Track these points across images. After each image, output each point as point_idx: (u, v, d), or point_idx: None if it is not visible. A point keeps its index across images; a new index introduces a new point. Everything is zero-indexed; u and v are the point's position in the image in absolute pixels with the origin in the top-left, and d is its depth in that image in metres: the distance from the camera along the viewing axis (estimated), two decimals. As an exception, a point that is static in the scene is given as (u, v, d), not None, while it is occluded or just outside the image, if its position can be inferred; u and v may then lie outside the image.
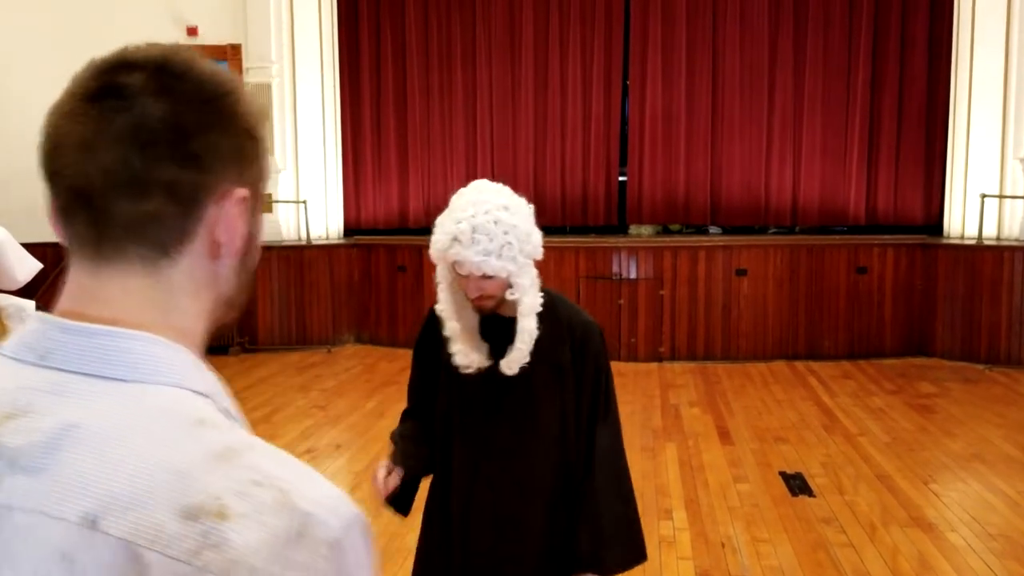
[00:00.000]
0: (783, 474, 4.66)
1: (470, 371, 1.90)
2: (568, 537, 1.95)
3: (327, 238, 8.39)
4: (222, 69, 0.73)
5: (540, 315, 1.87)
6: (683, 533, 3.93)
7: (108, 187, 0.66)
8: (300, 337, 8.04)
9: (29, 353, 0.66)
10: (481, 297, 1.84)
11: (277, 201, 8.13)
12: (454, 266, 1.82)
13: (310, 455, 5.06)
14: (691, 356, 7.62)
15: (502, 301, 1.87)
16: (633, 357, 7.57)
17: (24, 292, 2.31)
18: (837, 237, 7.92)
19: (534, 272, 1.88)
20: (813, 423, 5.65)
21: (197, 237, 0.69)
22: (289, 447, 5.23)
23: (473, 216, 1.77)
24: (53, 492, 0.60)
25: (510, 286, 1.83)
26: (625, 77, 8.35)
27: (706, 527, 3.98)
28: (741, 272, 7.63)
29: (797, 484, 4.52)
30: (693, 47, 8.18)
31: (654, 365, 7.46)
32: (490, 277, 1.80)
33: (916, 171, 8.03)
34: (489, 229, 1.76)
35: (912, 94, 7.97)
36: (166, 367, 0.66)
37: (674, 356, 7.62)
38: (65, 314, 0.68)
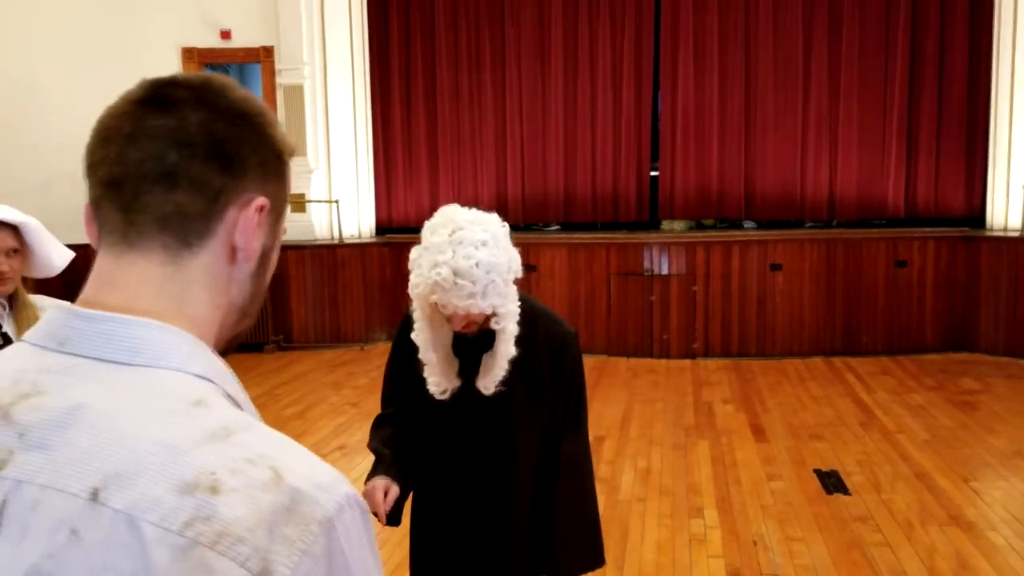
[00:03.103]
0: (818, 472, 4.58)
1: (444, 398, 1.89)
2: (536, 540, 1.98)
3: (359, 237, 8.44)
4: (258, 98, 0.81)
5: (519, 329, 1.84)
6: (714, 531, 3.88)
7: (141, 177, 0.71)
8: (334, 335, 8.11)
9: (51, 340, 0.71)
10: (467, 325, 1.81)
11: (310, 201, 8.21)
12: (436, 305, 1.78)
13: (342, 451, 5.10)
14: (725, 353, 7.52)
15: (486, 322, 1.83)
16: (665, 354, 7.51)
17: (49, 293, 2.35)
18: (875, 231, 7.75)
19: (515, 290, 1.84)
20: (850, 420, 5.55)
21: (217, 236, 0.74)
22: (322, 444, 5.28)
23: (452, 258, 1.70)
24: (61, 468, 0.64)
25: (495, 315, 1.80)
26: (656, 71, 8.27)
27: (738, 525, 3.93)
28: (776, 267, 7.52)
29: (832, 482, 4.43)
30: (725, 39, 8.07)
31: (687, 362, 7.39)
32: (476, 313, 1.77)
33: (957, 162, 7.83)
34: (472, 273, 1.70)
35: (952, 82, 7.77)
36: (169, 351, 0.70)
37: (707, 353, 7.53)
38: (85, 301, 0.73)
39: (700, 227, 8.27)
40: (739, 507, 4.13)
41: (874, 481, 4.43)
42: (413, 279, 1.76)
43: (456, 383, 1.89)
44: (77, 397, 0.66)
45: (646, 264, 7.59)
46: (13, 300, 2.13)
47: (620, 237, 7.78)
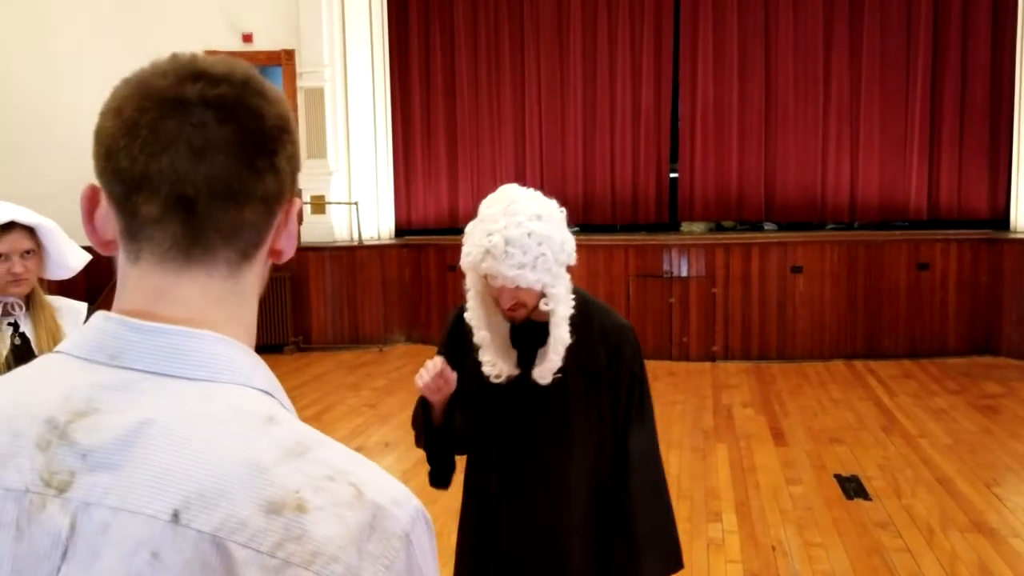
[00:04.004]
0: (838, 476, 4.54)
1: (500, 381, 1.86)
2: (605, 545, 1.91)
3: (378, 239, 8.48)
4: (283, 94, 0.76)
5: (573, 320, 1.83)
6: (732, 536, 3.85)
7: (214, 194, 0.67)
8: (352, 336, 8.15)
9: (99, 353, 0.67)
10: (515, 306, 1.80)
11: (330, 203, 8.25)
12: (486, 277, 1.78)
13: (359, 453, 5.13)
14: (745, 355, 7.48)
15: (535, 308, 1.83)
16: (685, 356, 7.47)
17: (72, 295, 2.39)
18: (897, 232, 7.68)
19: (567, 278, 1.84)
20: (871, 424, 5.50)
21: (268, 243, 0.73)
22: (340, 445, 5.31)
23: (505, 228, 1.71)
24: (133, 488, 0.61)
25: (544, 295, 1.79)
26: (675, 71, 8.24)
27: (756, 530, 3.90)
28: (796, 269, 7.46)
29: (852, 487, 4.39)
30: (745, 38, 8.03)
31: (707, 364, 7.35)
32: (524, 288, 1.77)
33: (980, 162, 7.73)
34: (523, 242, 1.70)
35: (975, 81, 7.67)
36: (232, 365, 0.68)
37: (727, 355, 7.49)
38: (133, 314, 0.68)
39: (720, 229, 8.23)
40: (758, 512, 4.11)
41: (895, 486, 4.39)
42: (465, 249, 1.77)
43: (515, 371, 1.86)
44: (142, 414, 0.63)
45: (665, 266, 7.56)
46: (30, 300, 2.17)
47: (639, 239, 7.75)
